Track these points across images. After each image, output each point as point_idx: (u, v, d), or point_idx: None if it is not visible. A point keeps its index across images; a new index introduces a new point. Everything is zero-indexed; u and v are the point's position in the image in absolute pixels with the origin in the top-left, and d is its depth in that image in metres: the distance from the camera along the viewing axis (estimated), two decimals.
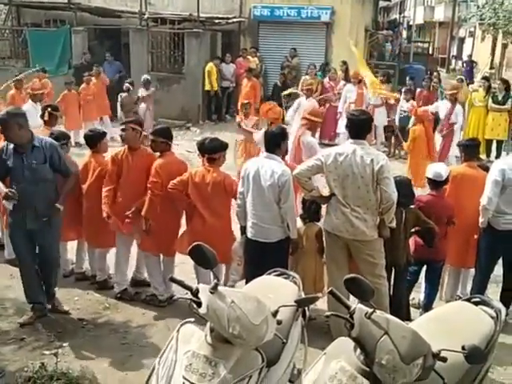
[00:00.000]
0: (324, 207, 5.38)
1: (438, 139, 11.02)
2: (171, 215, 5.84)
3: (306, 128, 7.45)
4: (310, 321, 5.51)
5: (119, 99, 13.51)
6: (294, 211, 5.30)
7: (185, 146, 12.43)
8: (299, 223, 5.58)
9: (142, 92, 13.76)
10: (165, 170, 5.70)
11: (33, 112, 8.48)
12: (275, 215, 5.23)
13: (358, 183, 4.93)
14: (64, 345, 5.09)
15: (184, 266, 5.94)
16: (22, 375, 4.27)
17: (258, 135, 9.57)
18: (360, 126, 5.12)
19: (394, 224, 5.09)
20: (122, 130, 5.91)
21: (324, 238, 5.38)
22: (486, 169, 5.99)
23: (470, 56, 25.84)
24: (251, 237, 5.32)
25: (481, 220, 5.58)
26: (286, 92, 13.05)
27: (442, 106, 11.71)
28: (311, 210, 5.60)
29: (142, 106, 13.61)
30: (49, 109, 7.26)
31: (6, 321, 5.51)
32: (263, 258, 5.12)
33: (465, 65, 24.68)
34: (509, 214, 5.47)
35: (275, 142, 5.36)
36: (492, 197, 5.44)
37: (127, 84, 13.67)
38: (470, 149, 6.16)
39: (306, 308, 4.05)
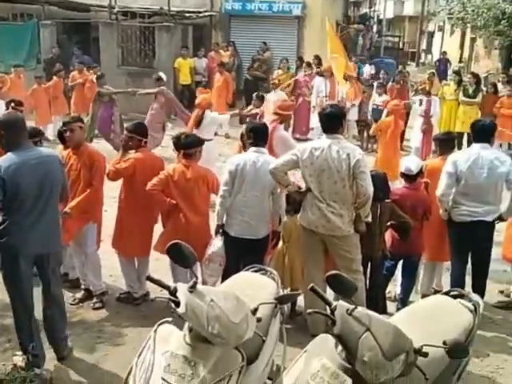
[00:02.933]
0: None
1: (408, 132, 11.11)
2: (146, 215, 5.73)
3: (278, 122, 7.39)
4: (298, 316, 5.53)
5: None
6: (284, 204, 5.38)
7: None
8: (285, 216, 5.56)
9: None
10: (140, 166, 5.60)
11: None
12: (266, 211, 5.29)
13: (335, 178, 4.91)
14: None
15: (159, 263, 5.85)
16: None
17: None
18: (332, 121, 5.09)
19: (369, 218, 5.09)
20: (69, 129, 5.59)
21: (299, 233, 5.36)
22: None
23: (445, 53, 25.64)
24: (237, 235, 5.27)
25: (440, 212, 5.66)
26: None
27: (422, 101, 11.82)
28: (295, 203, 5.56)
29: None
30: (12, 104, 7.08)
31: None
32: (245, 254, 5.09)
33: (438, 63, 24.40)
34: (464, 204, 5.51)
35: (263, 136, 5.38)
36: (445, 188, 5.51)
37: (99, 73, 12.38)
38: (446, 143, 6.21)
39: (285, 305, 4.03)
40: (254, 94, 10.62)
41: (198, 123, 8.77)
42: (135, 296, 5.90)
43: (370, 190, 4.90)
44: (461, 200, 5.53)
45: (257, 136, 5.39)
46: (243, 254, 5.16)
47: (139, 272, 5.88)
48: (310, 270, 5.20)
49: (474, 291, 5.52)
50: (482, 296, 5.67)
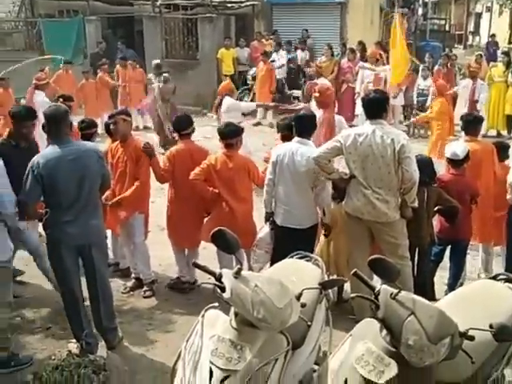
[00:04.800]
0: None
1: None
2: (192, 206, 5.82)
3: (323, 107, 7.33)
4: (344, 303, 5.54)
5: (156, 90, 12.22)
6: (330, 196, 5.32)
7: (202, 131, 12.39)
8: (331, 204, 5.53)
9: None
10: (181, 158, 5.69)
11: (44, 103, 8.44)
12: (309, 201, 5.26)
13: (379, 164, 4.87)
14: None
15: (206, 252, 5.94)
16: (49, 363, 4.30)
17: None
18: (376, 106, 5.06)
19: (415, 204, 5.03)
20: (113, 122, 5.75)
21: (345, 220, 5.35)
22: (504, 147, 5.96)
23: (493, 36, 24.76)
24: (282, 223, 5.31)
25: (508, 197, 5.51)
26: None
27: (467, 85, 11.64)
28: (341, 190, 5.56)
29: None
30: (60, 99, 7.26)
31: (32, 311, 5.57)
32: (293, 244, 5.09)
33: (487, 45, 23.45)
34: None
35: (308, 127, 5.35)
36: None
37: (166, 74, 12.56)
38: (472, 123, 6.12)
39: (330, 291, 4.05)
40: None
41: (216, 109, 8.93)
42: (183, 280, 6.04)
43: (416, 175, 4.85)
44: None
45: (300, 126, 5.37)
46: (290, 242, 5.15)
47: (188, 259, 5.99)
48: (356, 256, 5.18)
49: None
50: None
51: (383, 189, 4.93)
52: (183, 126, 5.95)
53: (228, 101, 9.09)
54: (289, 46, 15.98)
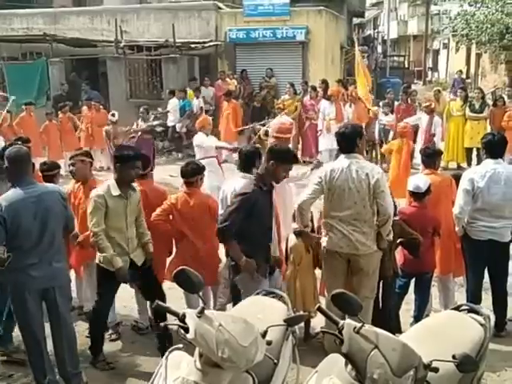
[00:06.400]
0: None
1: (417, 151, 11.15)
2: (156, 246, 5.76)
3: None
4: (312, 339, 5.51)
5: (103, 134, 12.23)
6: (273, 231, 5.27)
7: (168, 170, 12.40)
8: (294, 239, 5.54)
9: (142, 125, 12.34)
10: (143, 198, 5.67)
11: None
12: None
13: (355, 199, 4.90)
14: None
15: (172, 292, 5.87)
16: None
17: None
18: (350, 140, 5.10)
19: (390, 237, 5.08)
20: (71, 164, 5.78)
21: (323, 257, 5.36)
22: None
23: (461, 72, 24.88)
24: None
25: (456, 229, 5.67)
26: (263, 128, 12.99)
27: (423, 118, 11.97)
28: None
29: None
30: (19, 142, 7.20)
31: None
32: None
33: (456, 83, 23.14)
34: (481, 220, 5.52)
35: (250, 161, 5.36)
36: (463, 206, 5.51)
37: (110, 117, 12.50)
38: (432, 157, 6.23)
39: (297, 327, 4.03)
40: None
41: None
42: (140, 326, 5.95)
43: (391, 209, 4.93)
44: (477, 216, 5.53)
45: (245, 161, 5.40)
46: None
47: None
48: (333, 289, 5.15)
49: (495, 306, 5.57)
50: (505, 309, 5.71)
51: (359, 221, 4.95)
52: (142, 165, 5.91)
53: (198, 137, 9.14)
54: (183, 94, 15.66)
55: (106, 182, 5.10)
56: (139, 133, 11.84)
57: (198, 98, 15.51)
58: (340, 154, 5.16)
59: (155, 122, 12.66)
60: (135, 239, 5.17)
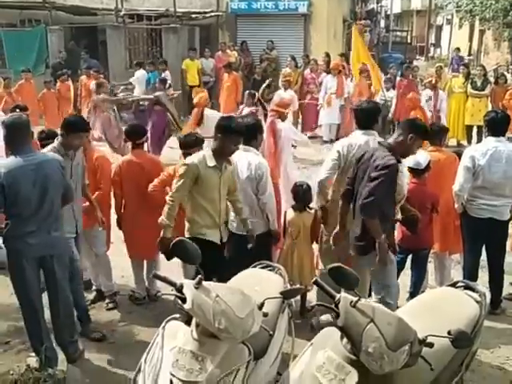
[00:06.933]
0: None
1: None
2: (148, 218, 5.61)
3: (276, 118, 7.35)
4: (308, 312, 5.53)
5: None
6: (273, 203, 5.26)
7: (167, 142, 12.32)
8: (293, 213, 5.57)
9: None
10: (130, 169, 5.67)
11: None
12: (256, 208, 5.21)
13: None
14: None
15: (170, 263, 5.88)
16: (7, 378, 4.23)
17: None
18: (369, 117, 5.10)
19: (398, 216, 5.03)
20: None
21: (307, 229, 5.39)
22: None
23: (458, 49, 24.87)
24: (234, 231, 5.29)
25: (455, 206, 5.67)
26: (264, 85, 12.96)
27: (427, 94, 11.95)
28: (305, 199, 5.58)
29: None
30: (17, 110, 7.17)
31: None
32: (247, 251, 5.10)
33: (454, 61, 23.09)
34: (482, 198, 5.51)
35: (251, 134, 5.31)
36: (463, 183, 5.50)
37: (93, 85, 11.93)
38: (438, 134, 6.18)
39: (293, 300, 4.06)
40: (246, 92, 10.65)
41: (199, 122, 8.88)
42: (136, 296, 5.99)
43: (405, 189, 4.88)
44: (478, 194, 5.53)
45: (246, 133, 5.12)
46: (244, 250, 5.09)
47: (148, 272, 5.94)
48: None
49: (491, 284, 5.59)
50: (501, 288, 5.76)
51: None
52: (137, 135, 5.90)
53: (210, 111, 9.11)
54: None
55: (202, 152, 4.94)
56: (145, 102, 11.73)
57: (164, 71, 14.77)
58: (353, 130, 5.13)
59: (122, 94, 12.50)
60: (224, 213, 4.99)
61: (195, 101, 9.63)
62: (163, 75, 14.04)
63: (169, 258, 4.85)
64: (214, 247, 4.80)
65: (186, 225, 4.93)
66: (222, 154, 4.76)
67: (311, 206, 5.59)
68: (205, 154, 4.79)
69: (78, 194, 5.22)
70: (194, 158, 4.76)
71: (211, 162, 4.71)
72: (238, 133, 4.77)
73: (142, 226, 5.66)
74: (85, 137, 5.19)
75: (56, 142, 5.03)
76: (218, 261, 4.71)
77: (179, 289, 2.99)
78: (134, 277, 6.06)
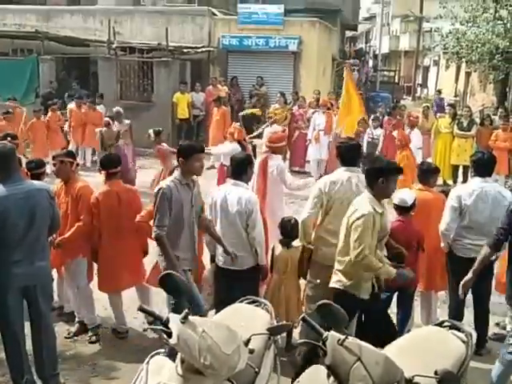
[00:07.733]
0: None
1: None
2: (127, 247, 5.71)
3: (270, 153, 7.34)
4: (294, 349, 5.46)
5: (98, 134, 12.03)
6: (262, 237, 5.26)
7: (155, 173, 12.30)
8: (280, 248, 5.56)
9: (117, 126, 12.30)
10: (107, 200, 5.63)
11: None
12: (245, 242, 5.19)
13: None
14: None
15: (157, 297, 5.84)
16: None
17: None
18: (351, 153, 5.16)
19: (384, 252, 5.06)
20: (53, 164, 5.73)
21: (294, 265, 5.39)
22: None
23: (439, 92, 25.48)
24: (222, 265, 5.27)
25: (442, 245, 5.71)
26: (243, 112, 12.83)
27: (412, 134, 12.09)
28: (292, 234, 5.57)
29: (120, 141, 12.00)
30: (8, 138, 7.17)
31: None
32: (234, 285, 5.07)
33: (435, 104, 23.47)
34: (467, 238, 5.55)
35: (242, 169, 5.33)
36: (449, 223, 5.54)
37: (107, 119, 12.43)
38: (428, 173, 6.22)
39: (279, 337, 4.02)
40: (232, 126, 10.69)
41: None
42: (119, 331, 5.90)
43: (388, 226, 4.87)
44: (464, 233, 5.56)
45: (236, 168, 5.32)
46: (233, 284, 5.12)
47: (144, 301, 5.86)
48: None
49: (477, 324, 5.58)
50: (486, 327, 5.74)
51: None
52: (112, 164, 5.87)
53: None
54: None
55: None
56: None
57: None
58: (339, 166, 5.19)
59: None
60: None
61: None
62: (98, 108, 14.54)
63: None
64: None
65: None
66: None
67: (294, 243, 5.59)
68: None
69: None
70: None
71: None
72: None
73: (121, 253, 5.64)
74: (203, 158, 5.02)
75: (176, 173, 4.98)
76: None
77: (165, 323, 2.96)
78: (113, 311, 5.97)
